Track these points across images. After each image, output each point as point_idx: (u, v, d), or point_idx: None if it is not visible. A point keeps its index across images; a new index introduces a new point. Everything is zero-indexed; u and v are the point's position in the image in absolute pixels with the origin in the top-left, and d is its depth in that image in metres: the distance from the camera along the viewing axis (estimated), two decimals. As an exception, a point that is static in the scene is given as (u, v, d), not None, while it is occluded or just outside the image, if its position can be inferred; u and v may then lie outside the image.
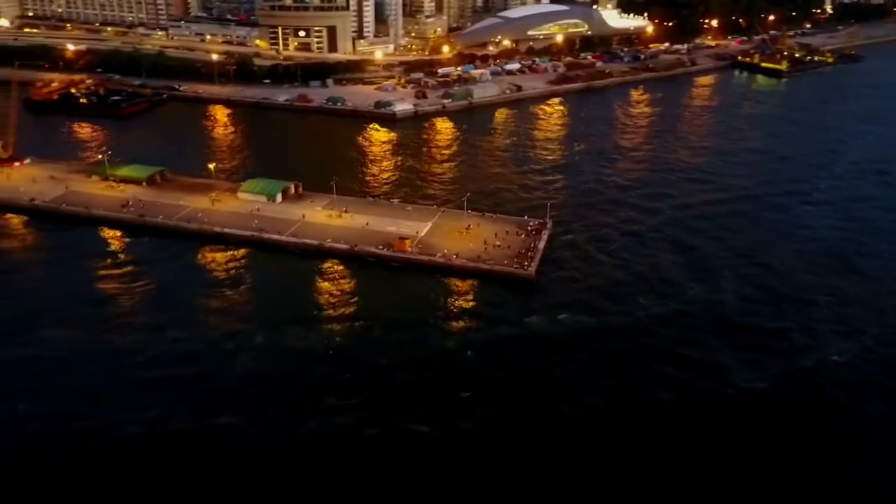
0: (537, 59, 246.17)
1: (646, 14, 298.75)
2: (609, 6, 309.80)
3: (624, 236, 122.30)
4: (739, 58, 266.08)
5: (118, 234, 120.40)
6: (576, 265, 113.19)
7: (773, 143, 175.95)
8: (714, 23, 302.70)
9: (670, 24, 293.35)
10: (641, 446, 76.14)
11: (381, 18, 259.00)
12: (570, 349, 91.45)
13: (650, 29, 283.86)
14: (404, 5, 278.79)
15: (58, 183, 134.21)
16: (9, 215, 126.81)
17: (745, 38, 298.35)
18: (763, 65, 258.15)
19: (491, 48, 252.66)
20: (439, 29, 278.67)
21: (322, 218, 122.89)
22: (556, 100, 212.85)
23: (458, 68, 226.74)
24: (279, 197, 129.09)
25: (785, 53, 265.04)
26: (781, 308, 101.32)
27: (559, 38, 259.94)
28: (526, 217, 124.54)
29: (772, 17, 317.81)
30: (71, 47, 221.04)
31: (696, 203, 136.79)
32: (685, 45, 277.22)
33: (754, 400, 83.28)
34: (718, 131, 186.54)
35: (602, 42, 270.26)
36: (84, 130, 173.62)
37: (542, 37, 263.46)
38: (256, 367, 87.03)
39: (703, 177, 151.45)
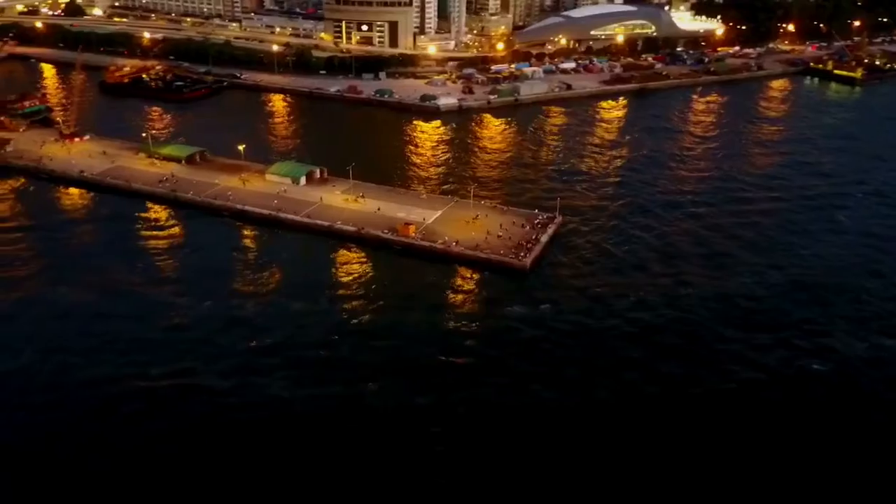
0: (595, 59, 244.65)
1: (719, 17, 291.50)
2: (682, 8, 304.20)
3: (638, 240, 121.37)
4: (812, 64, 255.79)
5: (152, 206, 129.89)
6: (578, 261, 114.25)
7: (816, 155, 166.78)
8: (791, 27, 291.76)
9: (744, 27, 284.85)
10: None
11: (443, 15, 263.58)
12: (537, 340, 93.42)
13: (720, 32, 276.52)
14: (469, 3, 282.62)
15: (108, 158, 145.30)
16: (61, 186, 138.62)
17: (823, 43, 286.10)
18: (836, 72, 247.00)
19: (549, 47, 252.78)
20: (503, 27, 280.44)
21: (339, 201, 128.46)
22: (608, 100, 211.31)
23: (512, 65, 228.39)
24: (303, 180, 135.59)
25: (865, 60, 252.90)
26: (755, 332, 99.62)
27: (620, 39, 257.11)
28: (536, 211, 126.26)
29: (857, 23, 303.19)
30: (147, 35, 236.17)
31: (709, 213, 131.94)
32: (756, 50, 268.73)
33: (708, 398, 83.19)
34: (767, 140, 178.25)
35: (666, 44, 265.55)
36: (146, 112, 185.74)
37: (603, 37, 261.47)
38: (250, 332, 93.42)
39: (731, 188, 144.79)
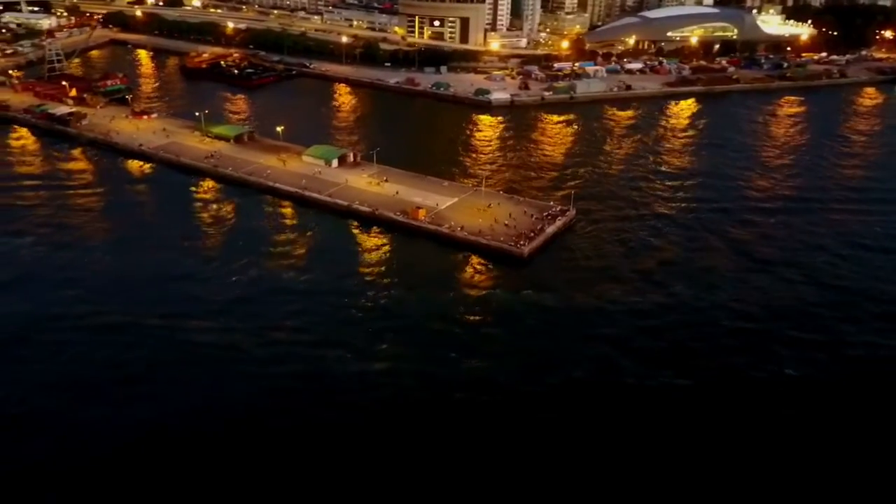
0: (664, 60, 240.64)
1: (810, 21, 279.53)
2: (772, 11, 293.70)
3: (648, 237, 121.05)
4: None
5: (196, 179, 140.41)
6: (579, 255, 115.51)
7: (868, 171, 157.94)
8: (889, 34, 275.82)
9: (834, 33, 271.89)
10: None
11: (517, 13, 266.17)
12: (508, 321, 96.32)
13: (804, 37, 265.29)
14: (545, 1, 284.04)
15: (167, 135, 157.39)
16: (123, 157, 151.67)
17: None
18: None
19: (619, 47, 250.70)
20: (578, 26, 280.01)
21: (362, 184, 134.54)
22: (670, 102, 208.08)
23: (576, 64, 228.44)
24: (335, 162, 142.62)
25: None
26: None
27: (693, 41, 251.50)
28: (551, 203, 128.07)
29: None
30: (231, 25, 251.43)
31: (718, 221, 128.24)
32: (844, 56, 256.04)
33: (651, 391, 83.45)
34: (820, 154, 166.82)
35: (745, 47, 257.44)
36: (216, 95, 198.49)
37: (678, 38, 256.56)
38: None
39: (764, 202, 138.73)
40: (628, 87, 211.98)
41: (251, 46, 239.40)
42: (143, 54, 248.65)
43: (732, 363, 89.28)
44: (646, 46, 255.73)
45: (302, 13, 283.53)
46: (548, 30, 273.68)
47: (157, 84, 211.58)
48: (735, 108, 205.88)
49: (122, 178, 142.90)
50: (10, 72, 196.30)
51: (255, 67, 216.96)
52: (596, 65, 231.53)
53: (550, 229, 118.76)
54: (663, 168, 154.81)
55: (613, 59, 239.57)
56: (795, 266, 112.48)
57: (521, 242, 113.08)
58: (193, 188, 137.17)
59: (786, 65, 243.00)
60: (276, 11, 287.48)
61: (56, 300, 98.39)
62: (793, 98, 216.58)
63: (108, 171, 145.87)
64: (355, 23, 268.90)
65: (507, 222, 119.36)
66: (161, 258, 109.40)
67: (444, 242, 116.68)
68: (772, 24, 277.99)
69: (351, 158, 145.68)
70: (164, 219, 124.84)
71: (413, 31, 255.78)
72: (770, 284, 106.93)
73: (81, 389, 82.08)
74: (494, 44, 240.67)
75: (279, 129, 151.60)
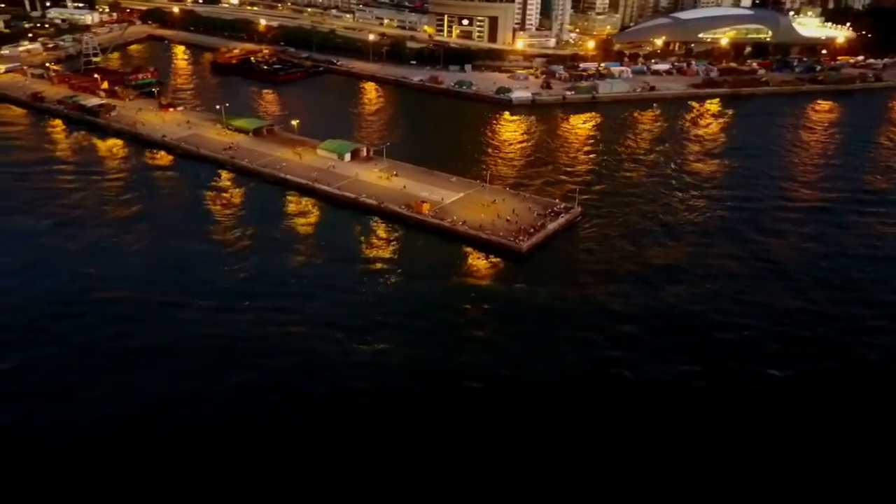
0: (694, 62, 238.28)
1: (849, 24, 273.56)
2: (810, 14, 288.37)
3: (655, 239, 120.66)
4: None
5: (214, 169, 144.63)
6: (582, 251, 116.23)
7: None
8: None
9: (873, 36, 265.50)
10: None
11: (546, 13, 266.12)
12: (498, 313, 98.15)
13: (841, 39, 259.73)
14: (576, 1, 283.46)
15: (190, 127, 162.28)
16: (147, 147, 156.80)
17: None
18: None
19: (648, 48, 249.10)
20: (609, 27, 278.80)
21: (372, 178, 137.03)
22: (693, 103, 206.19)
23: (602, 64, 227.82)
24: (348, 156, 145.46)
25: None
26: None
27: (723, 42, 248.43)
28: (557, 201, 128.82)
29: None
30: (263, 22, 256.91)
31: (747, 234, 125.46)
32: (882, 60, 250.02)
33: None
34: (848, 159, 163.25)
35: (778, 50, 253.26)
36: (243, 90, 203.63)
37: (709, 39, 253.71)
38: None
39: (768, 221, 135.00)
40: (652, 88, 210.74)
41: (282, 43, 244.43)
42: (179, 50, 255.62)
43: (721, 365, 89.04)
44: (676, 48, 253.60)
45: (334, 11, 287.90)
46: (577, 30, 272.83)
47: (187, 78, 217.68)
48: (760, 110, 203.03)
49: (143, 166, 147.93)
50: (48, 64, 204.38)
51: (283, 64, 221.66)
52: (622, 65, 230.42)
53: (552, 226, 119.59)
54: (678, 169, 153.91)
55: (640, 59, 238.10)
56: (807, 271, 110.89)
57: (521, 238, 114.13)
58: (210, 178, 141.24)
59: (819, 68, 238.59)
60: (309, 9, 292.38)
61: (74, 278, 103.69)
62: (823, 102, 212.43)
63: (130, 159, 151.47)
64: (385, 21, 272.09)
65: (509, 218, 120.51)
66: (171, 243, 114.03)
67: (446, 236, 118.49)
68: (809, 26, 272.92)
69: (364, 153, 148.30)
70: (178, 205, 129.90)
71: (442, 30, 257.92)
72: (779, 290, 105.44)
73: (91, 361, 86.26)
74: (520, 43, 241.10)
75: (294, 123, 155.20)
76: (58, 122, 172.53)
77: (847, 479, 72.52)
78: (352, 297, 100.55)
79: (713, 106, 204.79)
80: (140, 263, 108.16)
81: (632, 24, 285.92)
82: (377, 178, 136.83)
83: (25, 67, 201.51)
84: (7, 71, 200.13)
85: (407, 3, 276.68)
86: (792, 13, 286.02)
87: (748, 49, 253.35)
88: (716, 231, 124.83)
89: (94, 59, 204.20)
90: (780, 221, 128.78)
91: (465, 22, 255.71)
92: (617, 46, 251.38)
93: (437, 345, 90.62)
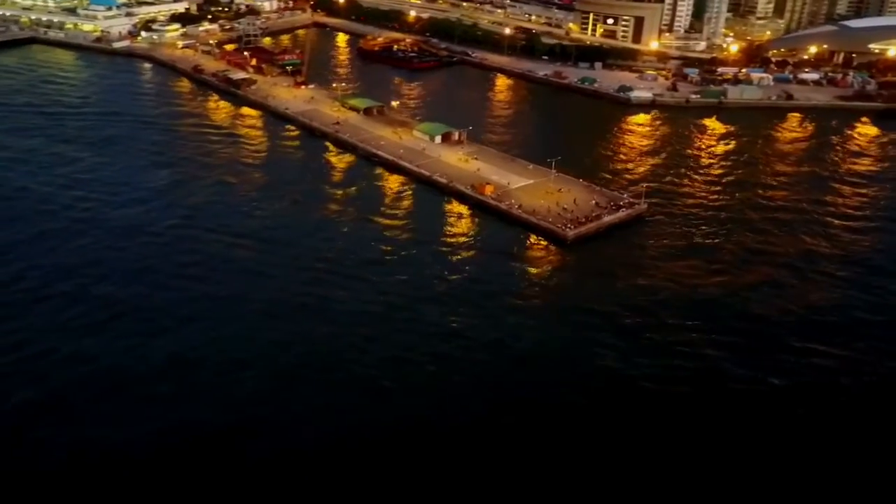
0: (852, 73, 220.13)
1: None
2: None
3: (718, 250, 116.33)
4: None
5: (321, 141, 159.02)
6: (633, 247, 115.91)
7: None
8: None
9: None
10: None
11: (699, 15, 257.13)
12: (525, 292, 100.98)
13: None
14: (737, 5, 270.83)
15: (312, 103, 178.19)
16: (272, 117, 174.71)
17: None
18: None
19: (805, 56, 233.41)
20: (769, 33, 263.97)
21: (453, 160, 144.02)
22: (836, 117, 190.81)
23: (743, 70, 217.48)
24: (438, 138, 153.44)
25: None
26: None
27: (891, 53, 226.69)
28: (624, 195, 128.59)
29: None
30: (413, 14, 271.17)
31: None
32: None
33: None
34: None
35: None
36: (378, 74, 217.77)
37: (877, 50, 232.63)
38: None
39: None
40: (789, 97, 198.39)
41: (427, 34, 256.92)
42: (340, 37, 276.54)
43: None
44: (839, 58, 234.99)
45: (489, 6, 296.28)
46: (732, 35, 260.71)
47: (334, 62, 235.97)
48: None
49: (268, 133, 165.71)
50: (210, 42, 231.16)
51: (419, 53, 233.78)
52: (766, 72, 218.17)
53: (608, 218, 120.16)
54: (779, 181, 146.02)
55: (789, 67, 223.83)
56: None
57: (569, 226, 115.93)
58: (314, 147, 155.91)
59: None
60: (465, 3, 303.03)
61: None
62: None
63: (261, 127, 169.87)
64: (534, 17, 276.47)
65: (566, 206, 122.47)
66: (249, 196, 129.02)
67: (501, 217, 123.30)
68: None
69: (456, 137, 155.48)
70: (278, 165, 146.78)
71: (587, 28, 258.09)
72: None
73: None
74: (654, 44, 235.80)
75: (395, 104, 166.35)
76: (212, 91, 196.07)
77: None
78: (377, 255, 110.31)
79: (859, 121, 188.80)
80: (225, 212, 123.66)
81: (797, 31, 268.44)
82: (457, 160, 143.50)
83: (197, 44, 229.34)
84: (184, 47, 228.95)
85: (556, 0, 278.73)
86: None
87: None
88: (804, 261, 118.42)
89: (253, 40, 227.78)
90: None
91: (610, 21, 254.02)
92: (771, 53, 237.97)
93: (442, 308, 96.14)
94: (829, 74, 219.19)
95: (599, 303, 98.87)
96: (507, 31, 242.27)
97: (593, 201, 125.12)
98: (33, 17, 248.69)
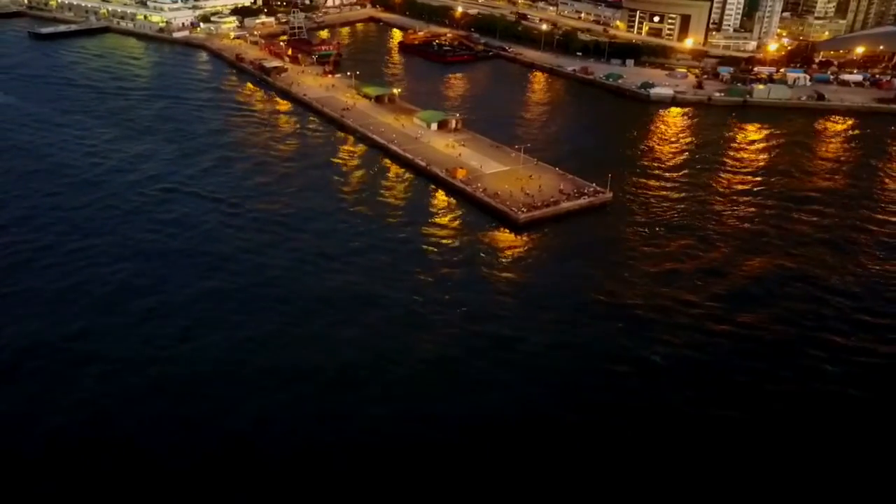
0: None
1: None
2: None
3: (683, 242, 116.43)
4: None
5: (330, 126, 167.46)
6: (584, 234, 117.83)
7: None
8: None
9: None
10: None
11: (751, 14, 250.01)
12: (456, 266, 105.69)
13: None
14: (795, 4, 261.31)
15: (332, 90, 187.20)
16: (293, 102, 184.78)
17: None
18: None
19: (853, 57, 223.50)
20: (828, 33, 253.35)
21: (440, 145, 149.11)
22: (871, 119, 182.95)
23: (782, 69, 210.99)
24: (434, 126, 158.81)
25: None
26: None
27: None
28: (592, 184, 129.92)
29: None
30: (460, 10, 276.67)
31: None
32: None
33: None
34: None
35: None
36: (411, 66, 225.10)
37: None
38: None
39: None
40: (820, 97, 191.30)
41: (472, 29, 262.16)
42: (395, 32, 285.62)
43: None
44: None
45: (542, 3, 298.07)
46: (787, 35, 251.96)
47: (374, 54, 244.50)
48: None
49: (277, 114, 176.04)
50: (256, 32, 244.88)
51: (454, 47, 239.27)
52: (806, 72, 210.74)
53: (566, 204, 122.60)
54: (753, 182, 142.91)
55: (832, 68, 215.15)
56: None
57: (522, 209, 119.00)
58: (321, 130, 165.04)
59: None
60: (520, 1, 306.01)
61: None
62: None
63: (273, 108, 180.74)
64: (583, 14, 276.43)
65: (528, 191, 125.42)
66: (250, 172, 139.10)
67: (466, 198, 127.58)
68: None
69: (452, 125, 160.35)
70: (285, 146, 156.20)
71: (633, 26, 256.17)
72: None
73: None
74: (689, 41, 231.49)
75: (396, 91, 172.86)
76: (248, 78, 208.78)
77: None
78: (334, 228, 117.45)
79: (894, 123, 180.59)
80: (237, 188, 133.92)
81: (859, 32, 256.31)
82: (444, 146, 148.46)
83: (247, 35, 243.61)
84: (236, 38, 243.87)
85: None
86: None
87: None
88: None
89: (298, 32, 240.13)
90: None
91: (657, 19, 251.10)
92: (821, 54, 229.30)
93: (372, 276, 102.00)
94: (877, 76, 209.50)
95: (531, 279, 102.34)
96: (544, 27, 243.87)
97: (560, 188, 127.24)
98: (110, 9, 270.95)
